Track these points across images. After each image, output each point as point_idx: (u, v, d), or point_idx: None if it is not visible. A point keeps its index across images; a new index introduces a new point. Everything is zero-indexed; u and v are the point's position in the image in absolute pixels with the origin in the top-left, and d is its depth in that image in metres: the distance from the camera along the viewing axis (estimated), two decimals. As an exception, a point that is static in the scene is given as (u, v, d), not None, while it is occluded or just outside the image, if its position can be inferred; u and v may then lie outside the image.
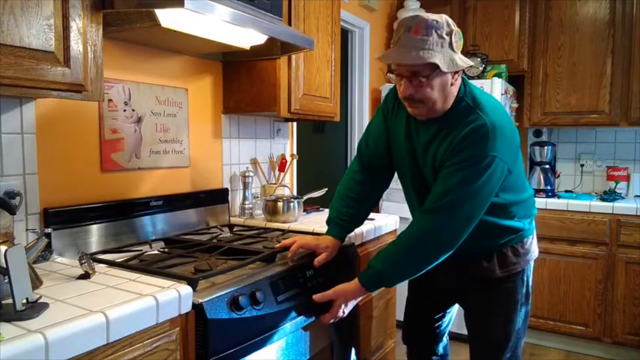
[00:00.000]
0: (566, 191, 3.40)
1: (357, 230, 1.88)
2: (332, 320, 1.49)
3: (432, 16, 1.30)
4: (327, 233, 1.61)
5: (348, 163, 3.39)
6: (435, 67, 1.28)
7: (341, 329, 1.76)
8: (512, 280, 1.53)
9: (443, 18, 1.31)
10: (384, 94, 3.17)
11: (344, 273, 1.76)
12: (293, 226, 2.03)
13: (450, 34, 1.30)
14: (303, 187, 2.71)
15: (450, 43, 1.30)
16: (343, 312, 1.49)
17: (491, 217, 1.44)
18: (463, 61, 1.33)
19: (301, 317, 1.48)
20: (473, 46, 3.23)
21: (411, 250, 1.38)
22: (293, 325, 1.45)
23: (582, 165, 3.44)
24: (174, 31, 1.49)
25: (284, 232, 1.96)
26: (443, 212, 1.34)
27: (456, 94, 1.39)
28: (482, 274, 1.52)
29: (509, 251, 1.52)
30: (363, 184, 1.64)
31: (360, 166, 1.67)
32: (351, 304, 1.51)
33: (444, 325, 1.79)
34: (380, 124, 1.60)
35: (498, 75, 3.08)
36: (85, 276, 1.23)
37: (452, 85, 1.36)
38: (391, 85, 1.64)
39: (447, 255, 1.38)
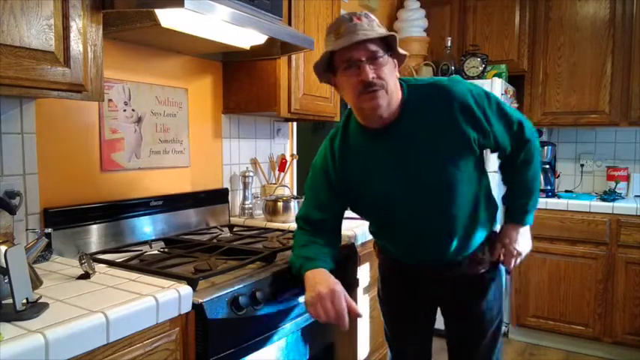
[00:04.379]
0: (566, 191, 3.40)
1: (357, 230, 1.88)
2: (513, 263, 1.52)
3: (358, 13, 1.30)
4: (317, 266, 1.36)
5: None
6: (388, 45, 1.27)
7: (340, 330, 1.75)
8: (497, 269, 1.53)
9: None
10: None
11: (344, 273, 1.77)
12: (293, 226, 2.03)
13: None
14: (303, 187, 2.70)
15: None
16: (516, 251, 1.52)
17: (486, 209, 1.46)
18: (402, 50, 1.32)
19: (301, 318, 1.48)
20: (473, 46, 3.23)
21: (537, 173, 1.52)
22: (293, 325, 1.45)
23: (582, 165, 3.44)
24: (175, 31, 1.49)
25: (284, 232, 1.96)
26: (521, 131, 1.43)
27: (399, 89, 1.35)
28: (477, 268, 1.48)
29: (492, 237, 1.52)
30: (320, 240, 1.46)
31: (313, 233, 1.47)
32: (520, 243, 1.52)
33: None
34: (329, 185, 1.50)
35: (498, 75, 3.08)
36: (85, 276, 1.23)
37: (395, 77, 1.33)
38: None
39: None
